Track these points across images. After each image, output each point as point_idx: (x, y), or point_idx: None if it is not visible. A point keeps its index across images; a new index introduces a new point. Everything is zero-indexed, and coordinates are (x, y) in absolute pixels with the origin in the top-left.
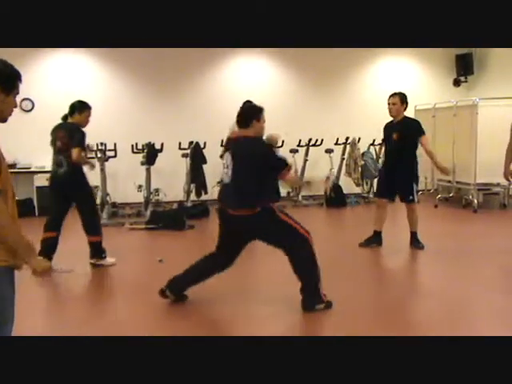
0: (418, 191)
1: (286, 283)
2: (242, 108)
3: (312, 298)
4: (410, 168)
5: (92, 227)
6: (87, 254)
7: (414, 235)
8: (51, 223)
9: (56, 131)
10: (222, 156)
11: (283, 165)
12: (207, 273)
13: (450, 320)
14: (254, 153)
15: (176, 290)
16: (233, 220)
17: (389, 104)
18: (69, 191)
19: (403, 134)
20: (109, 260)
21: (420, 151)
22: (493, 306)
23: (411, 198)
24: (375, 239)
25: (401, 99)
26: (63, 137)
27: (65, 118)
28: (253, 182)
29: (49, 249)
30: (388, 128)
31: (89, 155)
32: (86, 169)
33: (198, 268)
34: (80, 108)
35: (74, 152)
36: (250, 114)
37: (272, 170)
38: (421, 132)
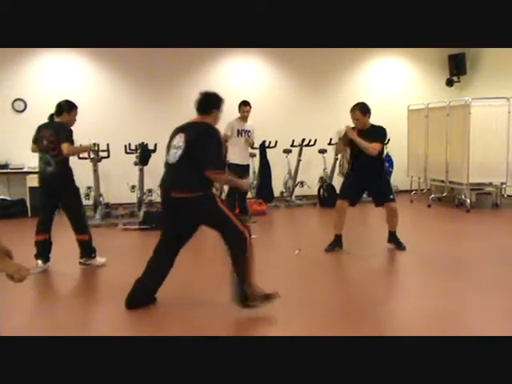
0: (400, 192)
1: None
2: (204, 94)
3: (243, 293)
4: (381, 171)
5: (80, 226)
6: (77, 254)
7: (393, 234)
8: (42, 225)
9: (42, 130)
10: (172, 137)
11: (218, 167)
12: (160, 273)
13: (436, 319)
14: (203, 138)
15: (139, 303)
16: (174, 202)
17: (353, 120)
18: (57, 190)
19: (373, 139)
20: (98, 260)
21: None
22: (482, 306)
23: (392, 196)
24: (338, 243)
25: (361, 111)
26: (50, 136)
27: (51, 117)
28: (198, 166)
29: (43, 251)
30: (358, 134)
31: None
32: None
33: (151, 272)
34: (68, 107)
35: (64, 147)
36: (212, 101)
37: (204, 161)
38: (378, 138)
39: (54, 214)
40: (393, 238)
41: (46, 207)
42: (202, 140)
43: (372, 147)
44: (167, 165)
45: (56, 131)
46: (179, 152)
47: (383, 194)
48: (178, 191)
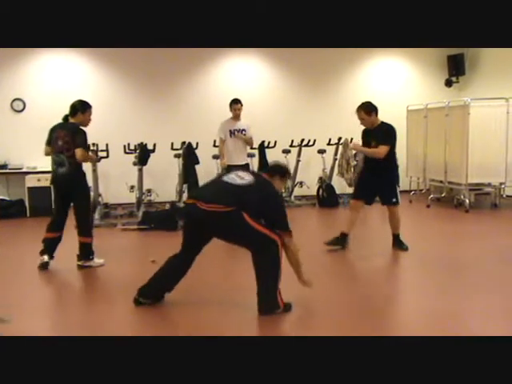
0: (400, 192)
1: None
2: (275, 162)
3: (270, 302)
4: (390, 171)
5: (85, 228)
6: (74, 255)
7: (396, 237)
8: (54, 224)
9: (57, 131)
10: (237, 170)
11: (287, 226)
12: (174, 275)
13: (436, 319)
14: (269, 194)
15: (150, 295)
16: (200, 213)
17: (359, 120)
18: (69, 190)
19: (380, 140)
20: (97, 261)
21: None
22: (482, 306)
23: (394, 200)
24: (342, 241)
25: (365, 111)
26: (65, 136)
27: (65, 118)
28: (248, 204)
29: (50, 247)
30: (367, 133)
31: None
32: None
33: (164, 271)
34: (83, 107)
35: (78, 152)
36: (278, 170)
37: (278, 222)
38: (384, 141)
39: (67, 214)
40: (396, 241)
41: (59, 207)
42: (272, 198)
43: (377, 152)
44: (218, 180)
45: (71, 132)
46: (240, 181)
47: (386, 196)
48: (211, 203)
